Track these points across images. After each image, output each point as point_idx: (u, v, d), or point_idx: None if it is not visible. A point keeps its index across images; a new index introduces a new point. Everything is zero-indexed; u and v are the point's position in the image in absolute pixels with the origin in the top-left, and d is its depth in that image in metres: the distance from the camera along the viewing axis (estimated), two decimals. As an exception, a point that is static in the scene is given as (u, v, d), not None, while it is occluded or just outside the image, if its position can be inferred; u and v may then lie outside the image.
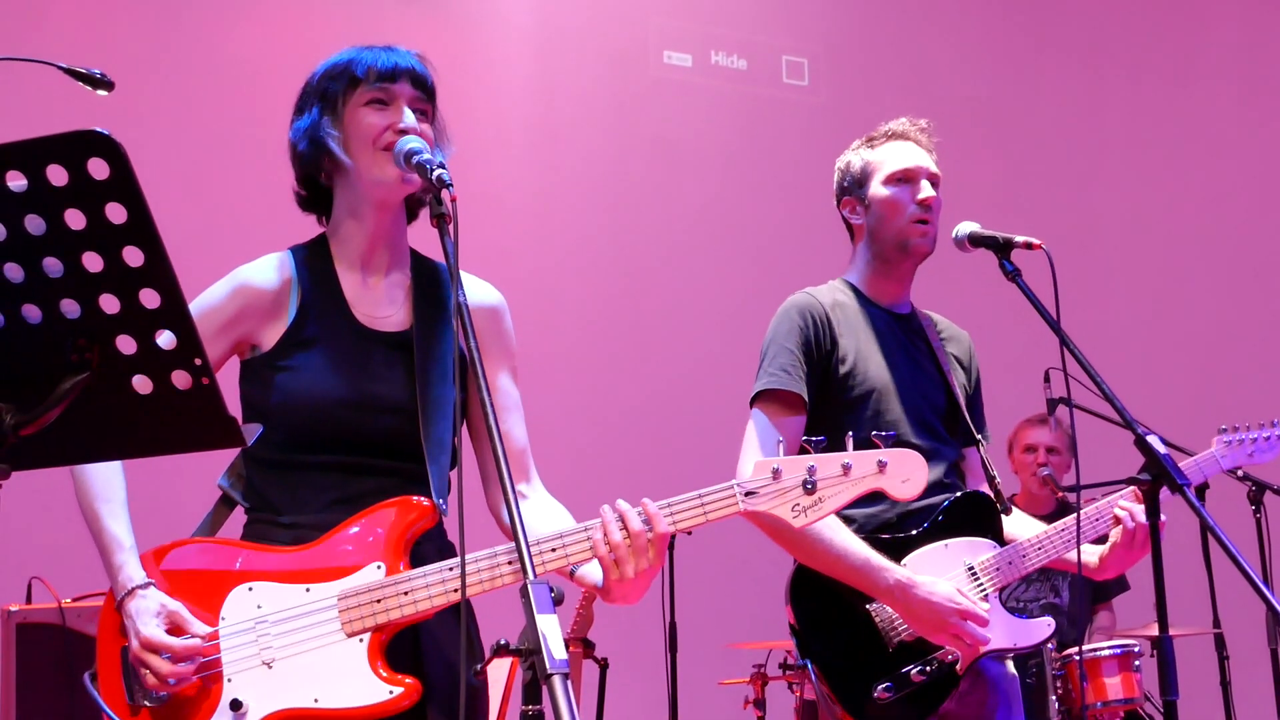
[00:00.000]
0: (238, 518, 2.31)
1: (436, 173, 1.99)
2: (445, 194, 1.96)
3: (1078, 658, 4.36)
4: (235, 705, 2.07)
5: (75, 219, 1.44)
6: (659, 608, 4.87)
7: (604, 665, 4.72)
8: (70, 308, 1.49)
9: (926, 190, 2.91)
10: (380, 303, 2.30)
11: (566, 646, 1.66)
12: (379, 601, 2.07)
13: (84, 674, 2.18)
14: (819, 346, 2.83)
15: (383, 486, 2.19)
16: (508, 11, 6.33)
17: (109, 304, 1.49)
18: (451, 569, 2.07)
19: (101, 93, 3.39)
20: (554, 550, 2.07)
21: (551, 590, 1.68)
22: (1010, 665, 2.89)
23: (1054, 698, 4.29)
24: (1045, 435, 5.22)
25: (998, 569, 2.79)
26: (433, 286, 2.33)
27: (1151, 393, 5.59)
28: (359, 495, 2.18)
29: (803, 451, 2.11)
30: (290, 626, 2.09)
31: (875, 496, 2.22)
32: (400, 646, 2.13)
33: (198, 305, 2.23)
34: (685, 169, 6.49)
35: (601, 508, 2.07)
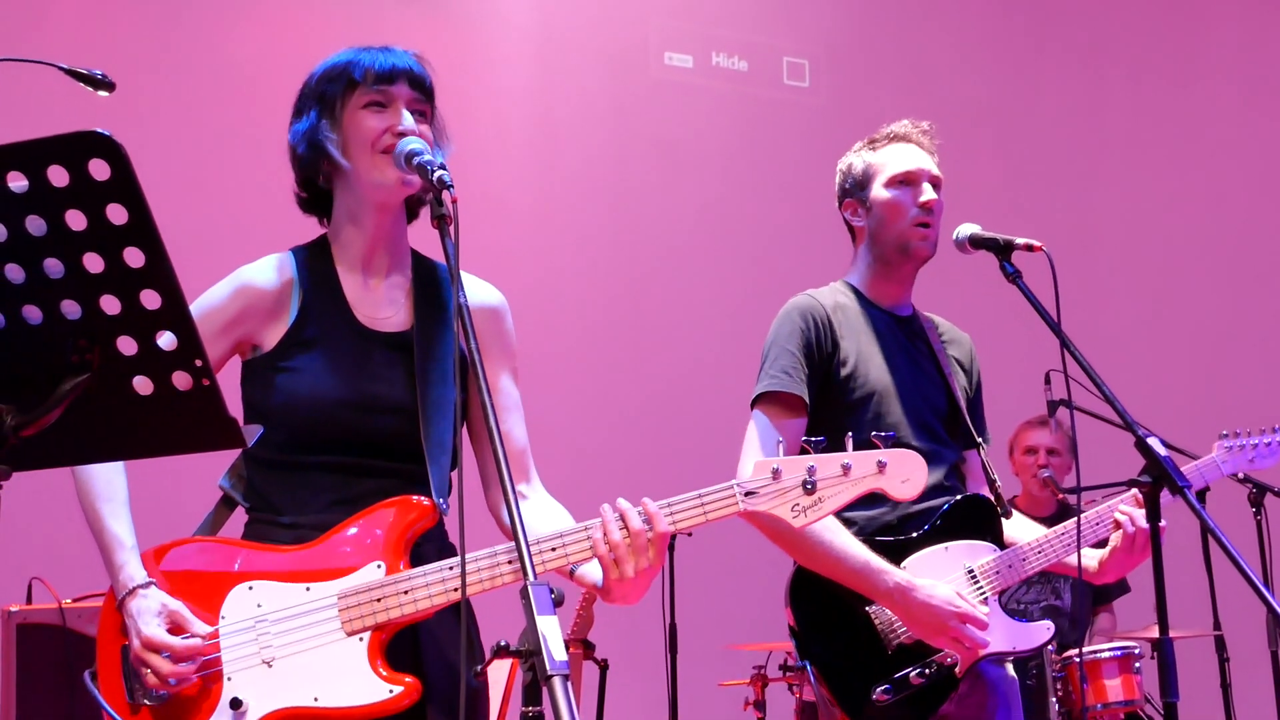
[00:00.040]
0: (238, 518, 2.31)
1: (437, 174, 1.99)
2: (446, 195, 1.96)
3: (1078, 659, 4.36)
4: (235, 704, 2.08)
5: (76, 220, 1.44)
6: (659, 609, 4.87)
7: (604, 666, 4.72)
8: (71, 308, 1.49)
9: (928, 193, 2.91)
10: (381, 303, 2.30)
11: (566, 648, 1.66)
12: (379, 600, 2.08)
13: (84, 672, 2.18)
14: (820, 349, 2.83)
15: (383, 487, 2.19)
16: (508, 11, 6.33)
17: (110, 305, 1.49)
18: (451, 568, 2.07)
19: (102, 93, 3.39)
20: (554, 550, 2.07)
21: (552, 591, 1.68)
22: (1010, 668, 2.89)
23: (1054, 699, 4.30)
24: (1046, 437, 5.22)
25: (997, 572, 2.79)
26: (433, 287, 2.33)
27: (1152, 394, 5.59)
28: (359, 495, 2.19)
29: (803, 452, 2.11)
30: (290, 625, 2.10)
31: (876, 498, 2.22)
32: (400, 646, 2.13)
33: (199, 306, 2.24)
34: (686, 170, 6.49)
35: (601, 507, 2.07)
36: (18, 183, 1.42)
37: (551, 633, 1.62)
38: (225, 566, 2.17)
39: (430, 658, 2.19)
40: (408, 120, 2.21)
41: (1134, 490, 2.75)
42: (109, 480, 2.21)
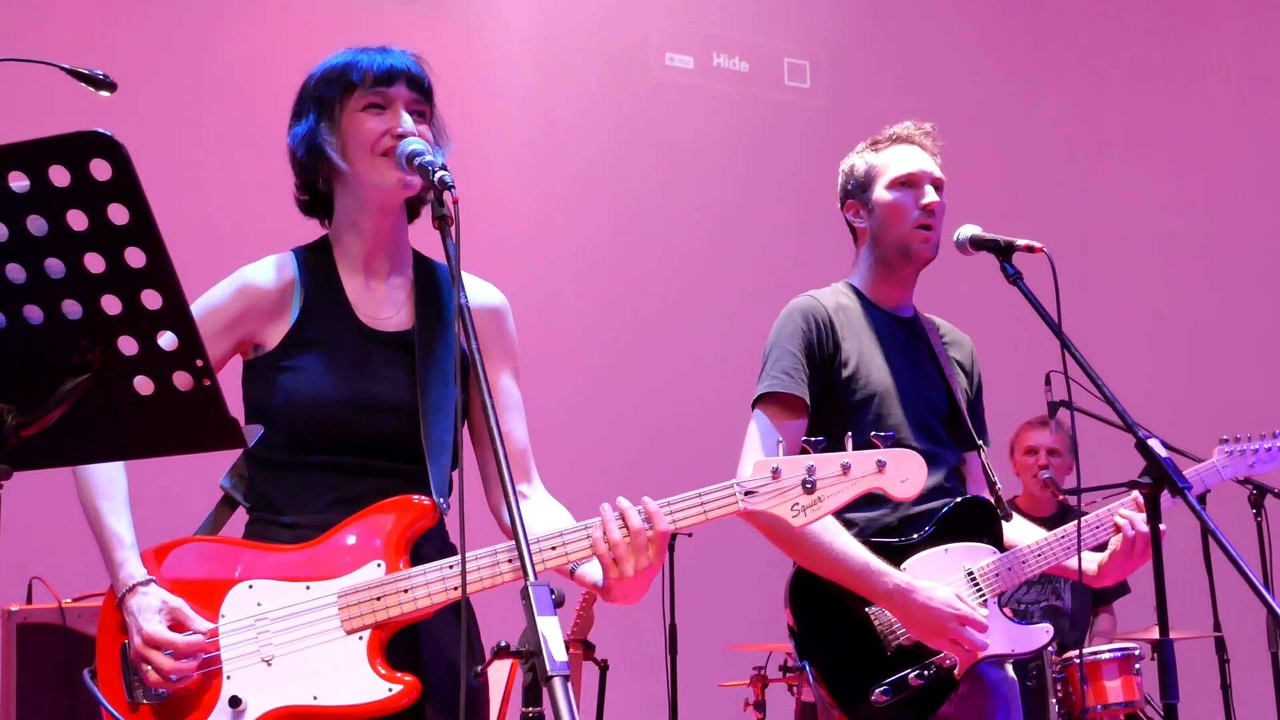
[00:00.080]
0: (239, 518, 2.31)
1: (439, 174, 1.99)
2: (447, 196, 1.96)
3: (1078, 661, 4.36)
4: (234, 702, 2.08)
5: (77, 220, 1.44)
6: (659, 610, 4.87)
7: (604, 667, 4.73)
8: (72, 308, 1.49)
9: (930, 195, 2.91)
10: (382, 304, 2.30)
11: (566, 648, 1.66)
12: (379, 599, 2.08)
13: (84, 671, 2.18)
14: (822, 350, 2.83)
15: (383, 487, 2.19)
16: (508, 12, 6.33)
17: (111, 305, 1.49)
18: (452, 567, 2.07)
19: (104, 94, 3.39)
20: (554, 549, 2.07)
21: (552, 592, 1.68)
22: (1009, 669, 2.89)
23: (1054, 700, 4.30)
24: (1046, 437, 5.22)
25: (997, 575, 2.79)
26: (435, 287, 2.34)
27: (1152, 396, 5.59)
28: (360, 495, 2.19)
29: (802, 452, 2.11)
30: (290, 624, 2.10)
31: (876, 499, 2.22)
32: (400, 646, 2.13)
33: (200, 305, 2.24)
34: (686, 171, 6.49)
35: (601, 506, 2.07)
36: (19, 182, 1.43)
37: (552, 633, 1.62)
38: (225, 566, 2.17)
39: (430, 657, 2.19)
40: (407, 122, 2.21)
41: (1134, 494, 2.76)
42: (109, 479, 2.21)
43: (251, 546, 2.20)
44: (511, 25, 6.32)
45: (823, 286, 2.99)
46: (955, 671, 2.71)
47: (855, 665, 2.72)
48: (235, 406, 1.63)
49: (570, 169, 6.30)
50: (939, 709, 2.72)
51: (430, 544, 2.22)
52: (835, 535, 2.70)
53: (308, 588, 2.11)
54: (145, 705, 2.12)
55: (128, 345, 1.51)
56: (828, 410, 2.81)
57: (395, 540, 2.13)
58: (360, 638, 2.07)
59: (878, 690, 2.70)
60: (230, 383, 1.78)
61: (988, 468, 2.93)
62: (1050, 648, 4.20)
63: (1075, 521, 2.77)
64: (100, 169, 1.41)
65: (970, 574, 2.78)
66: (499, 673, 3.55)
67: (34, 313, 1.49)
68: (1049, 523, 4.18)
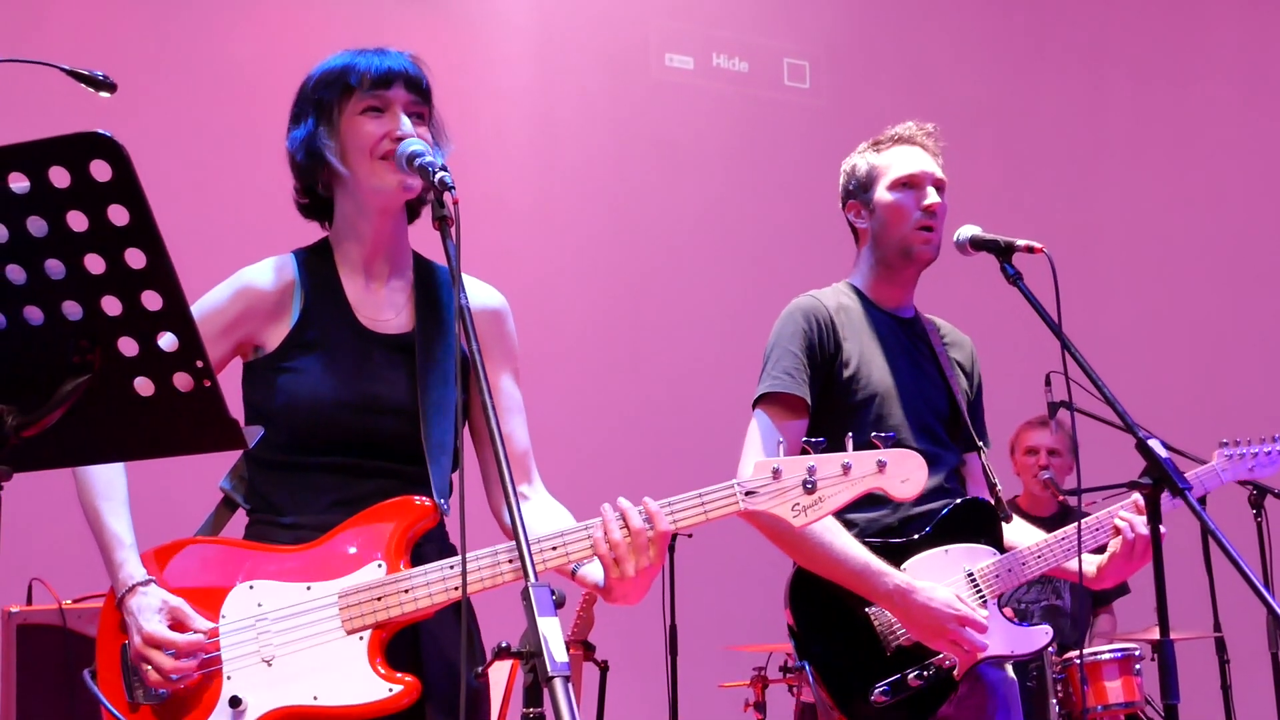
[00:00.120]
0: (239, 520, 2.31)
1: (439, 175, 1.99)
2: (448, 196, 1.96)
3: (1078, 661, 4.36)
4: (235, 702, 2.08)
5: (77, 220, 1.44)
6: (659, 610, 4.88)
7: (604, 668, 4.73)
8: (72, 309, 1.49)
9: (932, 196, 2.91)
10: (382, 306, 2.30)
11: (567, 649, 1.66)
12: (379, 599, 2.08)
13: (84, 671, 2.18)
14: (823, 350, 2.83)
15: (384, 488, 2.19)
16: (508, 12, 6.33)
17: (111, 306, 1.49)
18: (452, 567, 2.07)
19: (104, 94, 3.39)
20: (554, 549, 2.07)
21: (553, 593, 1.68)
22: (1009, 670, 2.89)
23: (1054, 701, 4.30)
24: (1046, 438, 5.22)
25: (997, 576, 2.79)
26: (435, 289, 2.34)
27: (1153, 396, 5.59)
28: (360, 496, 2.19)
29: (803, 453, 2.11)
30: (290, 624, 2.10)
31: (876, 500, 2.22)
32: (401, 647, 2.13)
33: (200, 307, 2.24)
34: (686, 171, 6.49)
35: (602, 506, 2.07)
36: (19, 183, 1.42)
37: (552, 634, 1.62)
38: (226, 566, 2.17)
39: (430, 658, 2.19)
40: (405, 125, 2.21)
41: (1134, 496, 2.76)
42: (109, 480, 2.21)
43: (252, 547, 2.20)
44: (511, 25, 6.31)
45: (823, 287, 2.99)
46: (955, 672, 2.71)
47: (855, 665, 2.72)
48: (235, 408, 1.63)
49: (570, 169, 6.30)
50: (939, 709, 2.72)
51: (431, 544, 2.22)
52: (836, 535, 2.70)
53: (308, 588, 2.11)
54: (145, 705, 2.12)
55: (128, 346, 1.51)
56: (828, 410, 2.81)
57: (396, 541, 2.13)
58: (361, 638, 2.07)
59: (877, 690, 2.70)
60: (230, 384, 1.78)
61: (988, 469, 2.93)
62: (1050, 648, 4.21)
63: (1075, 524, 2.77)
64: (100, 170, 1.41)
65: (970, 575, 2.78)
66: (500, 673, 3.55)
67: (34, 314, 1.49)
68: (1049, 523, 4.18)
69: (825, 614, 2.76)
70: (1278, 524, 4.46)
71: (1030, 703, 4.17)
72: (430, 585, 2.07)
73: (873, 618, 2.74)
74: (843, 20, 6.90)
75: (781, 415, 2.78)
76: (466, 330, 1.88)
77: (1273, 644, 4.44)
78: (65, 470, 1.97)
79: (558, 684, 1.59)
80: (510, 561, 2.05)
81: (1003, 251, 2.81)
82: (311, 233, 2.39)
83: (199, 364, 1.52)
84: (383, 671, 2.06)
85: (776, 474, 2.09)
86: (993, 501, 2.88)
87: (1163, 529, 2.63)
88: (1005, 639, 2.78)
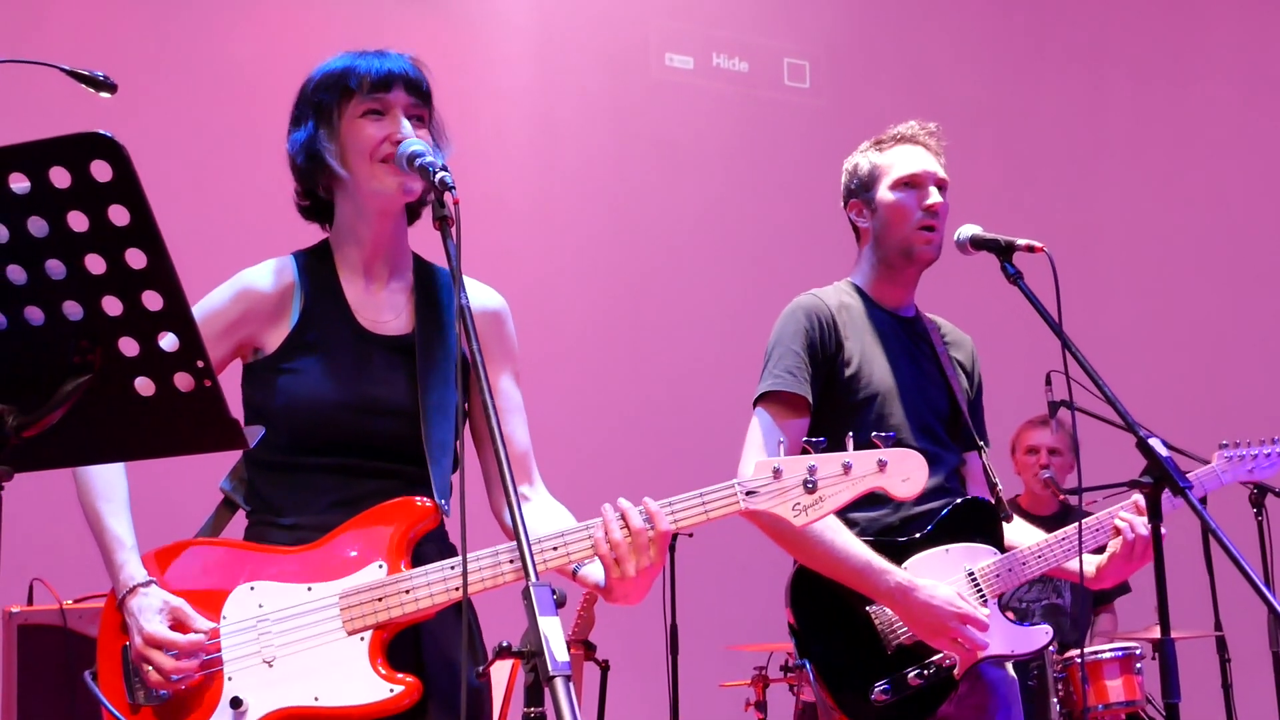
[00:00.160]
0: (239, 521, 2.31)
1: (439, 175, 1.99)
2: (448, 196, 1.96)
3: (1079, 660, 4.36)
4: (235, 703, 2.08)
5: (78, 221, 1.44)
6: (660, 610, 4.87)
7: (605, 667, 4.73)
8: (73, 309, 1.49)
9: (934, 196, 2.90)
10: (382, 308, 2.30)
11: (568, 648, 1.66)
12: (380, 600, 2.08)
13: (85, 672, 2.18)
14: (824, 349, 2.83)
15: (384, 488, 2.19)
16: (508, 12, 6.33)
17: (111, 306, 1.49)
18: (453, 567, 2.07)
19: (104, 95, 3.39)
20: (555, 549, 2.07)
21: (554, 592, 1.68)
22: (1009, 668, 2.89)
23: (1055, 700, 4.30)
24: (1047, 437, 5.22)
25: (997, 575, 2.79)
26: (435, 290, 2.34)
27: (1153, 395, 5.59)
28: (360, 497, 2.19)
29: (803, 452, 2.11)
30: (291, 625, 2.10)
31: (877, 499, 2.22)
32: (402, 647, 2.13)
33: (200, 308, 2.24)
34: (686, 171, 6.49)
35: (603, 506, 2.07)
36: (19, 184, 1.43)
37: (553, 633, 1.62)
38: (227, 568, 2.17)
39: (432, 658, 2.19)
40: (406, 128, 2.21)
41: (1135, 496, 2.76)
42: (109, 481, 2.21)
43: (252, 548, 2.20)
44: (511, 25, 6.31)
45: (823, 286, 2.99)
46: (955, 671, 2.71)
47: (855, 664, 2.72)
48: (235, 409, 1.62)
49: (570, 169, 6.30)
50: (939, 708, 2.72)
51: (431, 545, 2.22)
52: (837, 534, 2.70)
53: (309, 589, 2.11)
54: (146, 706, 2.12)
55: (129, 346, 1.51)
56: (829, 409, 2.81)
57: (397, 541, 2.13)
58: (361, 638, 2.07)
59: (877, 689, 2.70)
60: (230, 386, 1.78)
61: (988, 468, 2.93)
62: (1051, 647, 4.21)
63: (1075, 523, 2.77)
64: (101, 170, 1.41)
65: (971, 574, 2.78)
66: (500, 673, 3.55)
67: (35, 314, 1.49)
68: (1050, 522, 4.18)
69: (826, 613, 2.76)
70: (1278, 522, 4.46)
71: (1031, 702, 4.17)
72: (431, 585, 2.07)
73: (873, 616, 2.74)
74: (843, 20, 6.90)
75: (783, 414, 2.78)
76: (467, 329, 1.88)
77: (1274, 643, 4.44)
78: (66, 470, 1.97)
79: (559, 683, 1.59)
80: (511, 562, 2.05)
81: (1003, 251, 2.81)
82: (312, 232, 2.39)
83: (199, 364, 1.53)
84: (383, 672, 2.06)
85: (777, 474, 2.09)
86: (993, 501, 2.88)
87: (1163, 530, 2.63)
88: (1005, 639, 2.78)
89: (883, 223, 2.93)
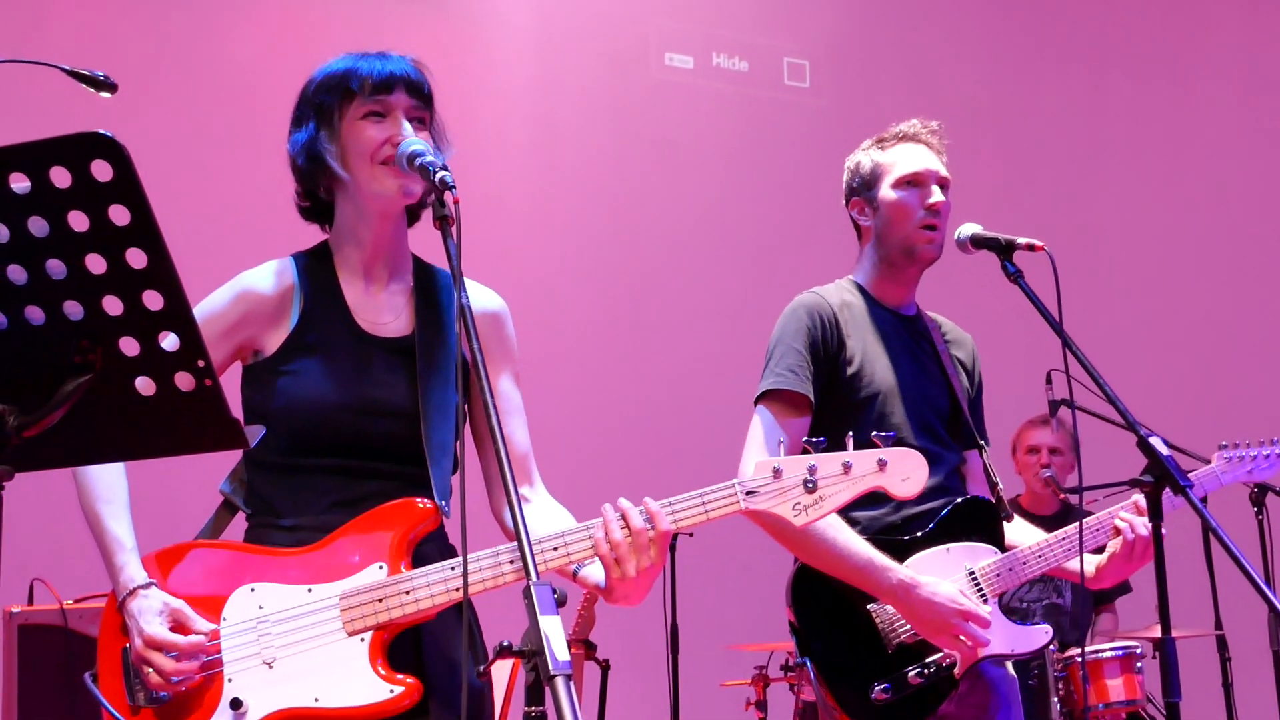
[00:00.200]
0: (239, 523, 2.31)
1: (439, 175, 1.99)
2: (448, 196, 1.96)
3: (1080, 659, 4.36)
4: (235, 704, 2.08)
5: (78, 221, 1.44)
6: (660, 609, 4.87)
7: (605, 667, 4.73)
8: (73, 309, 1.49)
9: (936, 195, 2.90)
10: (382, 309, 2.30)
11: (568, 648, 1.66)
12: (380, 600, 2.08)
13: (84, 674, 2.18)
14: (826, 347, 2.82)
15: (384, 490, 2.19)
16: (508, 12, 6.33)
17: (112, 306, 1.49)
18: (454, 568, 2.07)
19: (104, 95, 3.39)
20: (555, 549, 2.07)
21: (555, 592, 1.68)
22: (1009, 667, 2.89)
23: (1056, 699, 4.30)
24: (1048, 436, 5.22)
25: (998, 575, 2.79)
26: (434, 292, 2.34)
27: (1153, 394, 5.59)
28: (360, 498, 2.19)
29: (803, 452, 2.11)
30: (291, 626, 2.10)
31: (878, 499, 2.22)
32: (403, 648, 2.13)
33: (200, 311, 2.23)
34: (686, 171, 6.49)
35: (603, 506, 2.07)
36: (20, 184, 1.43)
37: (554, 633, 1.63)
38: (227, 569, 2.17)
39: (432, 658, 2.19)
40: (407, 130, 2.21)
41: (1135, 497, 2.76)
42: (109, 482, 2.21)
43: (253, 550, 2.19)
44: (511, 25, 6.31)
45: (823, 285, 2.98)
46: (955, 670, 2.71)
47: (856, 663, 2.72)
48: (235, 412, 1.62)
49: (570, 169, 6.30)
50: (939, 708, 2.72)
51: (431, 545, 2.22)
52: (839, 532, 2.70)
53: (310, 590, 2.11)
54: (146, 708, 2.11)
55: (129, 346, 1.51)
56: (831, 408, 2.81)
57: (397, 543, 2.12)
58: (362, 639, 2.07)
59: (878, 688, 2.70)
60: (230, 387, 1.78)
61: (989, 467, 2.92)
62: (1051, 646, 4.21)
63: (1076, 523, 2.77)
64: (101, 170, 1.42)
65: (971, 573, 2.78)
66: (501, 672, 3.55)
67: (35, 314, 1.49)
68: (1052, 522, 4.18)
69: (827, 611, 2.76)
70: (1279, 521, 4.46)
71: (1032, 701, 4.17)
72: (431, 586, 2.07)
73: (874, 615, 2.74)
74: (843, 20, 6.90)
75: (784, 412, 2.78)
76: (468, 329, 1.88)
77: (1274, 641, 4.44)
78: (66, 470, 1.97)
79: (559, 682, 1.59)
80: (511, 562, 2.05)
81: (1003, 249, 2.81)
82: (312, 233, 2.39)
83: (200, 363, 1.53)
84: (383, 673, 2.06)
85: (777, 473, 2.09)
86: (994, 500, 2.88)
87: (1164, 528, 2.63)
88: (1005, 638, 2.78)
89: (885, 221, 2.93)
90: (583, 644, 4.60)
